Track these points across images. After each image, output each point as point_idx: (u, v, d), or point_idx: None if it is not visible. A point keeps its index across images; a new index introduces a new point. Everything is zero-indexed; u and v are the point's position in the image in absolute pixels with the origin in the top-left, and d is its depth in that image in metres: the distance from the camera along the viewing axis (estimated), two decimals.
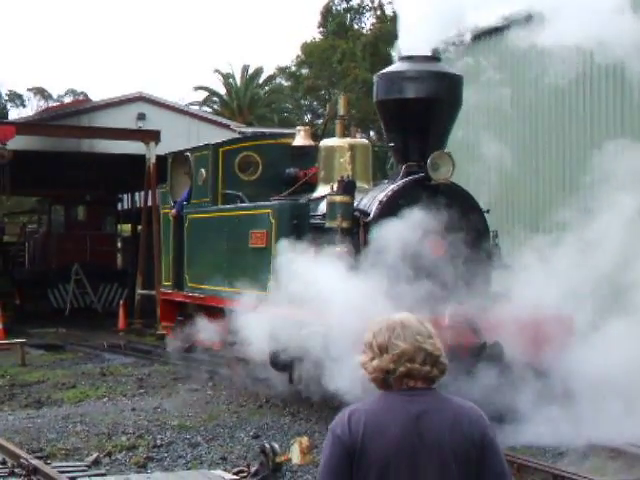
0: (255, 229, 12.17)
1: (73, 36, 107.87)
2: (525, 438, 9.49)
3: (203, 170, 13.90)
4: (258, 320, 11.07)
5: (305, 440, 8.75)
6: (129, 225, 32.46)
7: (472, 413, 3.09)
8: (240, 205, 13.18)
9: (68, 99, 57.72)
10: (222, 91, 53.11)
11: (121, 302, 23.75)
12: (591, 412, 9.58)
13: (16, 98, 60.67)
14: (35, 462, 8.76)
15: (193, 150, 14.57)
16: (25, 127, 22.82)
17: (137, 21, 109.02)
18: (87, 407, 12.15)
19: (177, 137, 22.55)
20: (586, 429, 9.48)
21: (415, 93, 10.70)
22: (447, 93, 10.83)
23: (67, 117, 24.75)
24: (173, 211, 14.83)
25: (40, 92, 62.00)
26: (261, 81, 53.98)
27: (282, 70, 54.10)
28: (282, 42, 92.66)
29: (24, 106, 61.01)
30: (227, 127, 26.99)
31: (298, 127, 14.47)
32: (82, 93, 59.12)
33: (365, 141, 12.96)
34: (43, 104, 58.36)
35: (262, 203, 12.44)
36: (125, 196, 33.65)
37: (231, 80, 52.53)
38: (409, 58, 10.84)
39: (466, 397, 3.24)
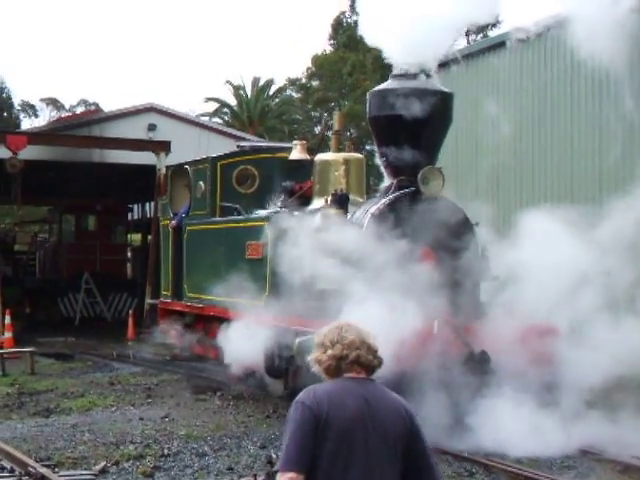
0: (251, 240, 12.46)
1: (85, 47, 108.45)
2: (526, 450, 9.53)
3: (202, 183, 14.24)
4: (254, 329, 11.48)
5: None
6: (139, 235, 32.51)
7: (405, 404, 3.79)
8: (237, 217, 13.49)
9: (80, 109, 58.00)
10: (233, 102, 53.24)
11: (130, 312, 23.77)
12: (594, 422, 9.66)
13: (29, 108, 61.02)
14: (43, 470, 8.78)
15: (192, 163, 14.89)
16: (37, 137, 22.90)
17: (149, 32, 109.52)
18: (95, 416, 12.16)
19: (187, 148, 22.57)
20: (590, 440, 9.53)
21: (406, 109, 10.88)
22: (438, 110, 11.01)
23: (79, 127, 24.83)
24: (173, 222, 15.13)
25: (53, 102, 62.29)
26: (272, 93, 54.10)
27: (293, 82, 54.24)
28: (293, 54, 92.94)
29: (37, 116, 61.36)
30: (237, 138, 27.03)
31: (294, 141, 14.71)
32: (94, 104, 59.45)
33: (359, 155, 13.18)
34: (55, 114, 58.63)
35: (258, 215, 12.78)
36: (135, 206, 33.71)
37: (242, 91, 52.65)
38: (401, 76, 11.07)
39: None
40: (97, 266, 27.83)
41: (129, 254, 31.51)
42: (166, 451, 9.89)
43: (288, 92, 55.12)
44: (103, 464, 9.26)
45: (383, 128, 11.35)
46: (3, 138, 20.88)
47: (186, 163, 15.23)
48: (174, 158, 19.70)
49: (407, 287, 9.90)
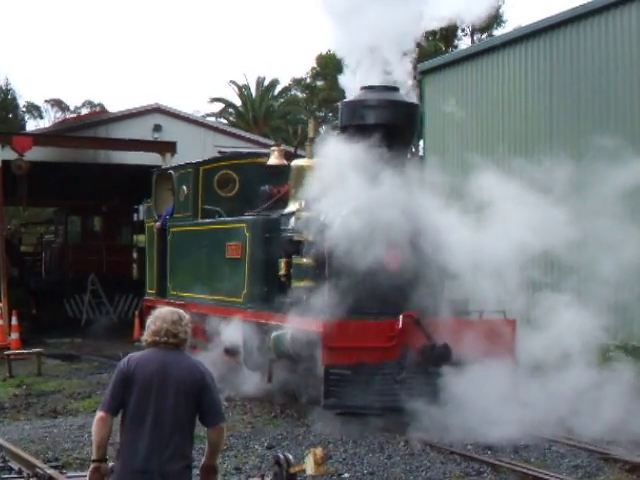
0: (231, 241, 13.21)
1: (90, 48, 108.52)
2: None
3: (185, 187, 15.03)
4: (232, 325, 12.58)
5: (319, 451, 8.73)
6: (144, 236, 32.48)
7: (198, 364, 5.28)
8: (218, 219, 14.20)
9: (85, 110, 58.02)
10: (237, 102, 53.27)
11: (136, 312, 23.77)
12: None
13: (34, 109, 61.00)
14: (51, 472, 8.80)
15: (176, 168, 15.82)
16: (42, 138, 22.94)
17: (153, 33, 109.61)
18: None
19: (193, 148, 22.64)
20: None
21: (375, 120, 11.69)
22: (404, 120, 11.86)
23: (84, 128, 24.89)
24: (157, 224, 15.94)
25: (57, 104, 62.28)
26: (276, 92, 54.13)
27: (297, 82, 54.26)
28: (297, 54, 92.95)
29: (42, 117, 61.30)
30: (242, 138, 27.05)
31: (272, 147, 15.15)
32: (99, 104, 59.48)
33: None
34: (60, 115, 58.67)
35: (238, 218, 13.47)
36: (141, 207, 33.70)
37: (246, 92, 52.67)
38: (370, 88, 11.85)
39: None
40: (103, 267, 27.83)
41: (135, 255, 31.51)
42: None
43: (293, 92, 55.16)
44: (111, 465, 9.23)
45: (353, 136, 11.81)
46: (9, 139, 20.95)
47: (170, 168, 16.27)
48: (180, 159, 19.72)
49: (375, 285, 11.06)
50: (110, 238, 28.81)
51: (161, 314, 5.29)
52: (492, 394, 10.21)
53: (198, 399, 5.17)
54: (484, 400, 10.16)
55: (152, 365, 5.16)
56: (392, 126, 11.60)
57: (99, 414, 5.17)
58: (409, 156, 11.88)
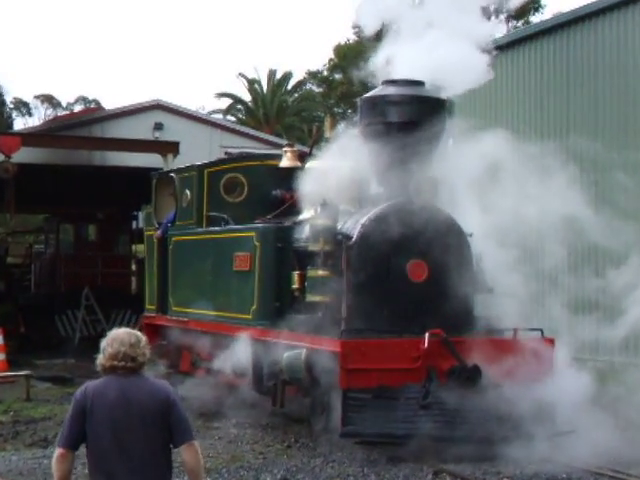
0: (239, 252, 13.15)
1: (84, 40, 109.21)
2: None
3: (188, 191, 14.99)
4: (240, 344, 12.51)
5: None
6: (144, 246, 32.58)
7: (161, 385, 5.43)
8: (224, 227, 14.14)
9: (78, 107, 58.47)
10: (247, 98, 53.47)
11: (136, 329, 23.81)
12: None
13: (22, 106, 61.54)
14: None
15: (178, 171, 15.77)
16: (31, 138, 23.08)
17: (153, 23, 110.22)
18: None
19: (197, 149, 22.76)
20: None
21: (397, 117, 11.62)
22: (430, 117, 11.61)
23: (77, 127, 25.07)
24: (158, 233, 15.90)
25: (48, 100, 62.80)
26: (290, 87, 54.30)
27: (313, 75, 54.41)
28: (313, 44, 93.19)
29: (30, 115, 61.90)
30: (253, 137, 27.15)
31: (285, 148, 15.12)
32: (94, 101, 59.93)
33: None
34: (51, 113, 59.15)
35: (246, 226, 13.42)
36: (140, 214, 33.83)
37: (257, 86, 52.86)
38: (392, 82, 11.80)
39: None
40: (98, 280, 27.95)
41: (133, 267, 31.62)
42: None
43: (308, 86, 55.33)
44: None
45: (374, 136, 11.80)
46: None
47: (171, 170, 16.27)
48: (183, 160, 19.80)
49: (398, 300, 11.18)
50: (106, 248, 28.92)
51: (118, 336, 5.44)
52: (529, 421, 10.20)
53: (167, 420, 5.31)
54: (520, 428, 10.14)
55: (111, 395, 5.28)
56: (417, 124, 11.49)
57: (58, 450, 5.28)
58: (436, 155, 11.73)
